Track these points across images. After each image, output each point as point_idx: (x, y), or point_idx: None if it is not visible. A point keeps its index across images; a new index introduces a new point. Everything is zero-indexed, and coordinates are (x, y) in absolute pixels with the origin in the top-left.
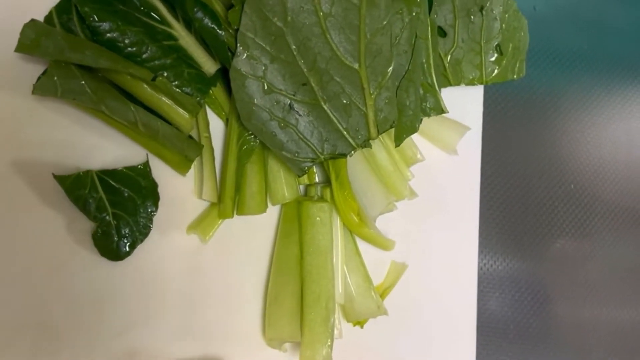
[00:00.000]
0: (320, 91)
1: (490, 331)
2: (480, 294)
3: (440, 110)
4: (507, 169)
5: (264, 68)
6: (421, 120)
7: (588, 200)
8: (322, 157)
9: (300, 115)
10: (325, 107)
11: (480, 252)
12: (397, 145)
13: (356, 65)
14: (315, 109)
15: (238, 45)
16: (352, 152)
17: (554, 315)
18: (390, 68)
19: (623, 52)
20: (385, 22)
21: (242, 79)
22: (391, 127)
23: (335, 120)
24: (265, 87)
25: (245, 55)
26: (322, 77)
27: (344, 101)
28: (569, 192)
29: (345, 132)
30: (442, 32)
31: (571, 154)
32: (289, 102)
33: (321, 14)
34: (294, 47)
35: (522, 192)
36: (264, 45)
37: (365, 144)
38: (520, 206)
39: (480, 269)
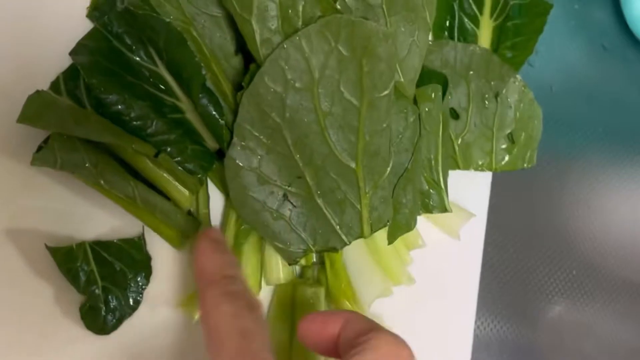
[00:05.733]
0: (315, 186)
1: None
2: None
3: (444, 209)
4: (508, 251)
5: (259, 158)
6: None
7: (589, 288)
8: (314, 249)
9: (294, 206)
10: (319, 201)
11: (477, 317)
12: (390, 243)
13: (353, 164)
14: (309, 202)
15: (234, 135)
16: (344, 246)
17: None
18: (389, 168)
19: (638, 136)
20: (385, 125)
21: (237, 169)
22: (385, 225)
23: (329, 216)
24: (260, 178)
25: (240, 145)
26: (318, 172)
27: (339, 197)
28: (571, 278)
29: (338, 228)
30: (454, 114)
31: (577, 238)
32: (282, 192)
33: (320, 112)
34: (290, 142)
35: (523, 275)
36: (260, 137)
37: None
38: (519, 287)
39: (474, 333)
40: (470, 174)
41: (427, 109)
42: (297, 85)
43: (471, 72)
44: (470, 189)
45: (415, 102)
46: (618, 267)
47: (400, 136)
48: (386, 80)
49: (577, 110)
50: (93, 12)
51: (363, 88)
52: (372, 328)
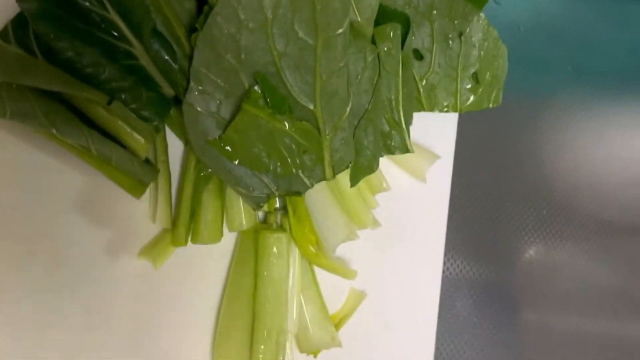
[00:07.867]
0: None
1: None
2: (443, 298)
3: (405, 149)
4: (476, 193)
5: (218, 103)
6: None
7: (560, 227)
8: (277, 193)
9: None
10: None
11: (446, 259)
12: (353, 185)
13: (311, 106)
14: None
15: (191, 80)
16: (307, 190)
17: (520, 326)
18: (348, 109)
19: (607, 75)
20: (342, 64)
21: (195, 115)
22: (347, 167)
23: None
24: (219, 123)
25: (198, 90)
26: None
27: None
28: (541, 218)
29: (300, 171)
30: (418, 55)
31: (546, 178)
32: None
33: (275, 52)
34: (247, 84)
35: (492, 216)
36: (217, 81)
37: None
38: (488, 229)
39: (444, 274)
40: (437, 116)
41: (385, 49)
42: (250, 25)
43: (434, 12)
44: (436, 131)
45: (374, 42)
46: (588, 206)
47: (359, 77)
48: (340, 18)
49: (545, 49)
50: None
51: (317, 27)
52: None
